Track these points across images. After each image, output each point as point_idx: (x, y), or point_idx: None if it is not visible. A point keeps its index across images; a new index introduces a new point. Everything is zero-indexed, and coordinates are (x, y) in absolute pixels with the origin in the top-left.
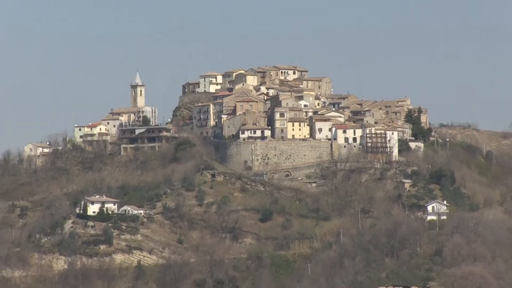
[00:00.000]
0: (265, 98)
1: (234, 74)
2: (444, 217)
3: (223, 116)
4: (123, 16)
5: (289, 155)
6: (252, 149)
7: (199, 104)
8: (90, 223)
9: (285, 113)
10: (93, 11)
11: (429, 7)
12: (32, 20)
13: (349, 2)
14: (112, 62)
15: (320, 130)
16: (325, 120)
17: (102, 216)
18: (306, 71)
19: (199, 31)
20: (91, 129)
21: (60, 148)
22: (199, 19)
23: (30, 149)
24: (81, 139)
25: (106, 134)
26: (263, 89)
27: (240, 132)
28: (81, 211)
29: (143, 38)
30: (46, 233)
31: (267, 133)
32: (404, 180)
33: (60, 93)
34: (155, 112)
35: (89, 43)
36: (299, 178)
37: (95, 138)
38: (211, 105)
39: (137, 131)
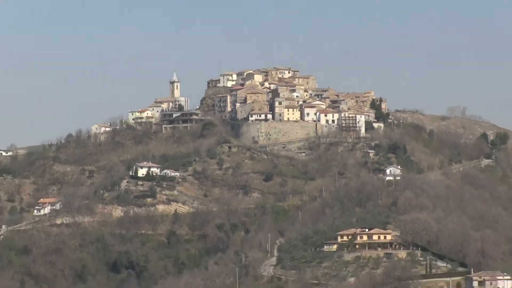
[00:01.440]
0: (268, 91)
1: (245, 73)
2: (398, 178)
3: (237, 104)
4: (173, 28)
5: (285, 133)
6: (258, 128)
7: (219, 95)
8: (140, 182)
9: (282, 101)
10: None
11: (395, 17)
12: (98, 19)
13: (328, 16)
14: (156, 63)
15: (308, 114)
16: (311, 107)
17: (148, 177)
18: (298, 71)
19: (220, 41)
20: (141, 114)
21: (118, 127)
22: (220, 32)
23: (96, 128)
24: (133, 121)
25: (152, 117)
26: (266, 84)
27: (249, 115)
28: (133, 174)
29: (180, 46)
30: (107, 189)
31: (269, 116)
32: (369, 151)
33: (118, 87)
34: (187, 101)
35: (142, 46)
36: (292, 149)
37: (144, 120)
38: (228, 96)
39: (174, 115)
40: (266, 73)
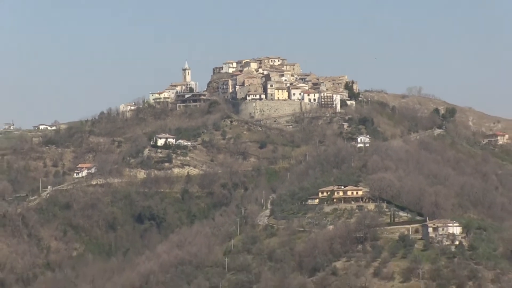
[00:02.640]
0: (261, 76)
1: (243, 62)
2: (367, 145)
3: (236, 86)
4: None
5: (276, 109)
6: (254, 106)
7: (223, 79)
8: (159, 150)
9: (273, 84)
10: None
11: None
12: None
13: (312, 13)
14: (172, 54)
15: (294, 94)
16: (297, 89)
17: (165, 146)
18: (286, 59)
19: (223, 36)
20: (159, 95)
21: (141, 106)
22: (222, 29)
23: (123, 107)
24: (153, 101)
25: (168, 98)
26: (260, 70)
27: (247, 96)
28: (153, 143)
29: (191, 41)
30: (133, 156)
31: (263, 96)
32: (343, 123)
33: (141, 73)
34: (196, 85)
35: (161, 41)
36: (282, 123)
37: (162, 100)
38: (229, 80)
39: (186, 96)
40: (260, 62)
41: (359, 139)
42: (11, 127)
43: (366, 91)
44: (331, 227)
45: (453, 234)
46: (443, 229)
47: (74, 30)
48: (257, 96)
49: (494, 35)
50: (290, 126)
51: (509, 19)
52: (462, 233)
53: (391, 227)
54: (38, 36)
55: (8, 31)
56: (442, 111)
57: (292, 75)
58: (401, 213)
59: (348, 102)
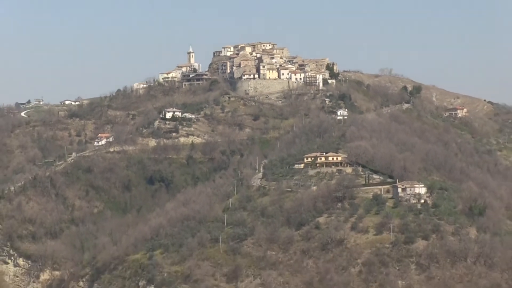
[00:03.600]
0: (255, 58)
1: (239, 46)
2: (345, 118)
3: (234, 67)
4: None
5: (267, 87)
6: (248, 84)
7: (222, 61)
8: (167, 122)
9: (265, 65)
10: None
11: None
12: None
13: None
14: (179, 40)
15: (283, 74)
16: (285, 69)
17: (173, 118)
18: (276, 44)
19: (223, 24)
20: (167, 75)
21: (152, 84)
22: (221, 17)
23: (136, 85)
24: (162, 80)
25: (175, 77)
26: (254, 54)
27: (242, 75)
28: (163, 116)
29: (195, 27)
30: (145, 127)
31: (256, 76)
32: (325, 99)
33: (152, 56)
34: (199, 66)
35: (169, 28)
36: (272, 98)
37: (169, 79)
38: (227, 62)
39: (191, 76)
40: (253, 46)
41: (338, 113)
42: (41, 103)
43: (344, 71)
44: (314, 187)
45: (419, 194)
46: (410, 190)
47: (101, 18)
48: (251, 76)
49: (455, 20)
50: (280, 102)
51: (468, 8)
52: (426, 193)
53: (366, 187)
54: (65, 24)
55: (34, 18)
56: (409, 89)
57: (281, 58)
58: (375, 176)
59: (329, 81)
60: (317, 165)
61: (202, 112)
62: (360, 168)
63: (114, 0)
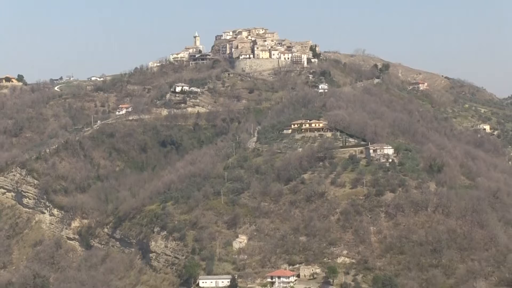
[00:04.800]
0: (250, 41)
1: (237, 31)
2: (326, 91)
3: (232, 49)
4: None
5: (261, 65)
6: (245, 63)
7: (223, 44)
8: (177, 95)
9: (259, 47)
10: None
11: None
12: None
13: None
14: (187, 25)
15: (273, 54)
16: (275, 50)
17: (182, 92)
18: (267, 29)
19: (223, 13)
20: (177, 55)
21: (164, 63)
22: (222, 9)
23: (151, 63)
24: (173, 59)
25: (183, 57)
26: (249, 37)
27: (240, 55)
28: (173, 90)
29: (201, 16)
30: (158, 99)
31: (251, 56)
32: (309, 75)
33: (165, 39)
34: (204, 48)
35: (179, 15)
36: (265, 75)
37: (179, 58)
38: (227, 44)
39: (196, 56)
40: (249, 31)
41: (320, 86)
42: (71, 78)
43: (325, 52)
44: (300, 149)
45: (387, 154)
46: (380, 151)
47: (124, 10)
48: (247, 56)
49: (420, 5)
50: (271, 77)
51: None
52: (393, 153)
53: (343, 149)
54: (92, 14)
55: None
56: (379, 66)
57: (272, 41)
58: (350, 139)
59: (312, 60)
60: (302, 130)
61: (206, 86)
62: (338, 133)
63: None
